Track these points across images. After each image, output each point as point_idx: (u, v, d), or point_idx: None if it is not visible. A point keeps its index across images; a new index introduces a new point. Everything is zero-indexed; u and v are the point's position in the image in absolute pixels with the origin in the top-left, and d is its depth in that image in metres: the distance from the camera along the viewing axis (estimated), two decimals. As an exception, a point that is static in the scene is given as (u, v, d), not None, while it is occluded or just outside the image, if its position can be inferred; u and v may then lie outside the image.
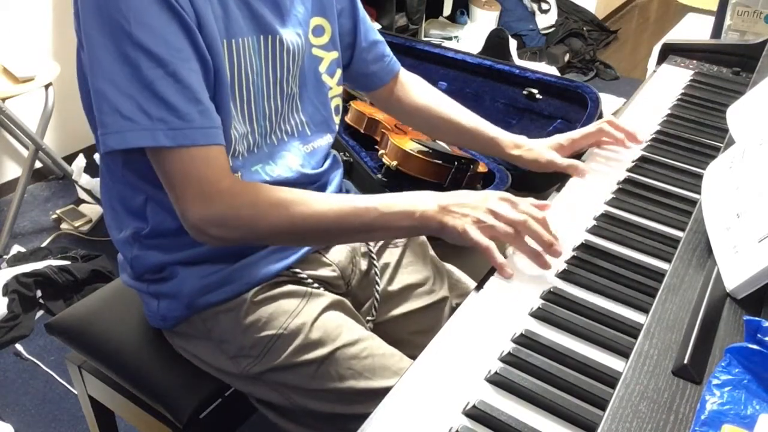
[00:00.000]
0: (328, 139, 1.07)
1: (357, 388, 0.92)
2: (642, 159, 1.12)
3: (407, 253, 1.16)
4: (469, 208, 0.86)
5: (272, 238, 0.91)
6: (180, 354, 1.04)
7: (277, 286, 1.00)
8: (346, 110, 1.89)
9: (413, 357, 0.77)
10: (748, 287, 0.72)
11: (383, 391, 0.69)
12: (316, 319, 0.96)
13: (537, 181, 1.66)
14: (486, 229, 0.84)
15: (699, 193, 0.93)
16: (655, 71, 1.47)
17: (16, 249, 2.20)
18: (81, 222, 2.33)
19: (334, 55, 1.06)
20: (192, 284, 0.97)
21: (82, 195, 2.47)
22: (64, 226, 2.34)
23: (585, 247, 0.90)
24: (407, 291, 1.12)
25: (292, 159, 1.00)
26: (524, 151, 1.14)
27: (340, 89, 1.09)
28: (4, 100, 2.20)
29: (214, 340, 0.98)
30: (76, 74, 0.91)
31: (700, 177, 0.95)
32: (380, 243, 1.15)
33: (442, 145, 1.69)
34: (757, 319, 0.67)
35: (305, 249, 1.03)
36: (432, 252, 1.20)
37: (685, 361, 0.65)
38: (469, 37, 3.69)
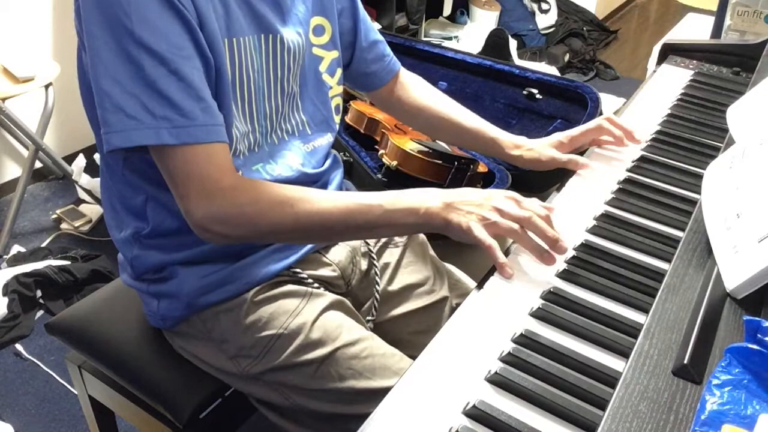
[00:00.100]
0: (328, 139, 1.07)
1: (357, 388, 0.92)
2: (642, 159, 1.12)
3: (407, 253, 1.16)
4: (473, 206, 0.86)
5: (275, 235, 0.91)
6: (180, 354, 1.04)
7: (278, 285, 1.00)
8: (346, 110, 1.89)
9: (413, 357, 0.77)
10: (748, 287, 0.72)
11: (383, 391, 0.69)
12: (316, 319, 0.96)
13: (537, 181, 1.67)
14: (490, 226, 0.84)
15: (699, 193, 0.93)
16: (655, 71, 1.47)
17: (16, 249, 2.20)
18: (81, 222, 2.33)
19: (335, 54, 1.06)
20: (192, 284, 0.97)
21: (82, 195, 2.47)
22: (64, 226, 2.34)
23: (585, 247, 0.90)
24: (407, 291, 1.12)
25: (293, 158, 1.00)
26: (524, 151, 1.14)
27: (340, 89, 1.09)
28: (4, 100, 2.20)
29: (214, 340, 0.99)
30: (76, 74, 0.92)
31: (700, 177, 0.95)
32: (380, 243, 1.15)
33: (442, 145, 1.69)
34: (757, 319, 0.67)
35: (305, 249, 1.03)
36: (432, 252, 1.20)
37: (685, 361, 0.65)
38: (469, 37, 3.69)
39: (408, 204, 0.87)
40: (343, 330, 0.96)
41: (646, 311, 0.76)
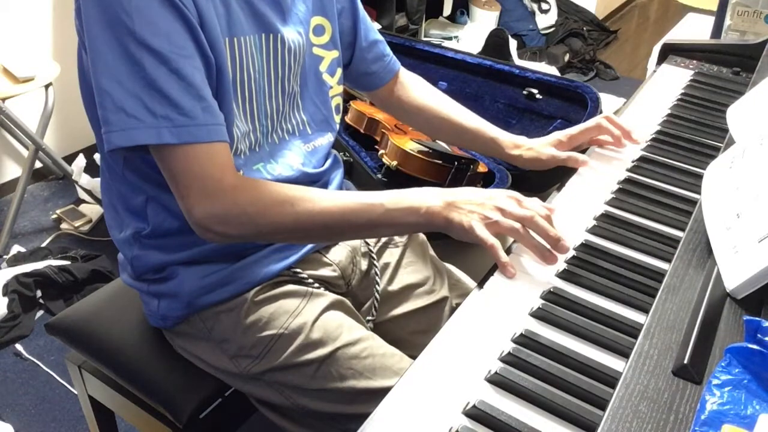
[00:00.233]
0: (329, 138, 1.07)
1: (357, 388, 0.92)
2: (642, 159, 1.12)
3: (407, 253, 1.16)
4: (475, 205, 0.86)
5: (276, 234, 0.91)
6: (180, 354, 1.04)
7: (278, 285, 1.00)
8: (346, 110, 1.89)
9: (413, 357, 0.77)
10: (748, 287, 0.72)
11: (383, 391, 0.69)
12: (316, 319, 0.96)
13: (537, 181, 1.66)
14: (492, 225, 0.84)
15: (699, 193, 0.93)
16: (655, 71, 1.47)
17: (16, 249, 2.20)
18: (81, 222, 2.33)
19: (335, 54, 1.06)
20: (192, 284, 0.97)
21: (82, 195, 2.47)
22: (64, 226, 2.34)
23: (585, 246, 0.90)
24: (407, 291, 1.12)
25: (293, 158, 1.00)
26: (524, 151, 1.14)
27: (340, 88, 1.09)
28: (4, 100, 2.20)
29: (214, 340, 0.99)
30: (76, 74, 0.92)
31: (700, 177, 0.95)
32: (380, 243, 1.15)
33: (442, 145, 1.69)
34: (757, 319, 0.67)
35: (306, 249, 1.03)
36: (432, 252, 1.20)
37: (685, 361, 0.65)
38: (469, 37, 3.69)
39: (409, 203, 0.87)
40: (343, 330, 0.96)
41: (646, 311, 0.76)
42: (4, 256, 2.16)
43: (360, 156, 1.79)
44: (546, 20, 4.04)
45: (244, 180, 0.86)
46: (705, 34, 2.54)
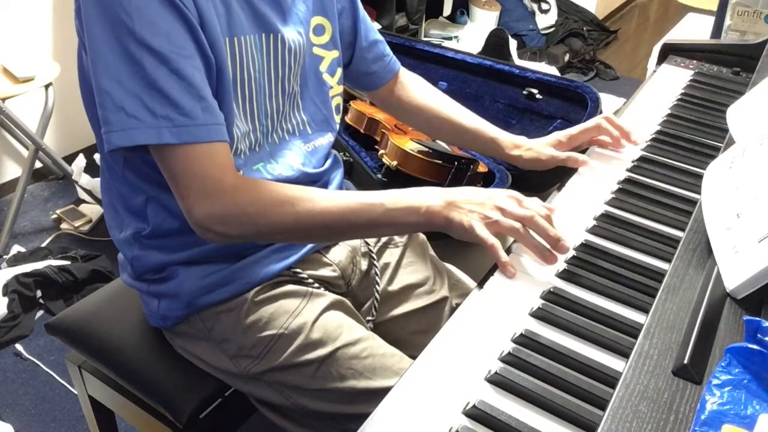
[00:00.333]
0: (329, 138, 1.07)
1: (357, 388, 0.92)
2: (642, 159, 1.12)
3: (407, 253, 1.16)
4: (475, 204, 0.86)
5: (276, 234, 0.91)
6: (180, 354, 1.04)
7: (278, 285, 1.00)
8: (346, 110, 1.89)
9: (413, 357, 0.77)
10: (748, 287, 0.72)
11: (384, 391, 0.69)
12: (316, 319, 0.96)
13: (537, 181, 1.66)
14: (492, 225, 0.84)
15: (699, 193, 0.93)
16: (655, 71, 1.48)
17: (16, 249, 2.20)
18: (81, 222, 2.33)
19: (335, 54, 1.06)
20: (192, 284, 0.97)
21: (82, 195, 2.47)
22: (64, 226, 2.34)
23: (585, 247, 0.90)
24: (407, 291, 1.12)
25: (294, 158, 1.00)
26: (524, 151, 1.14)
27: (340, 88, 1.09)
28: (4, 100, 2.20)
29: (214, 340, 0.98)
30: (76, 74, 0.92)
31: (700, 177, 0.95)
32: (380, 243, 1.15)
33: (442, 145, 1.69)
34: (757, 319, 0.67)
35: (306, 249, 1.03)
36: (432, 252, 1.20)
37: (685, 361, 0.65)
38: (469, 37, 3.69)
39: (409, 203, 0.87)
40: (343, 330, 0.96)
41: (646, 311, 0.76)
42: (4, 256, 2.16)
43: (360, 156, 1.79)
44: (546, 20, 4.04)
45: (244, 180, 0.86)
46: (705, 34, 2.54)
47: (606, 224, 0.95)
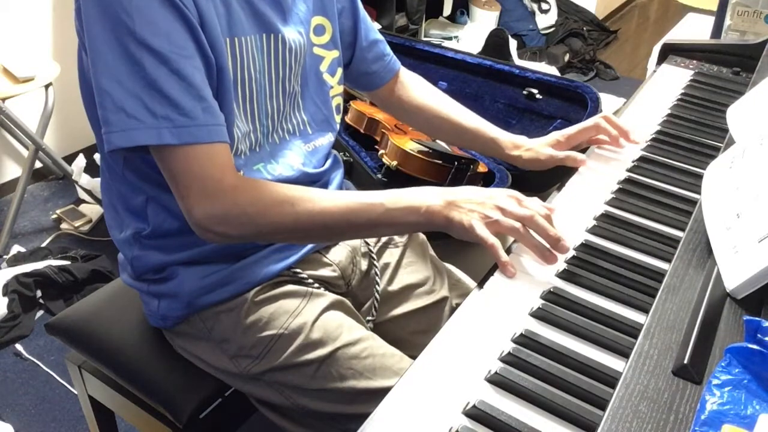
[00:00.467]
0: (329, 138, 1.07)
1: (357, 388, 0.93)
2: (642, 159, 1.12)
3: (407, 253, 1.16)
4: (475, 204, 0.86)
5: (276, 234, 0.91)
6: (180, 354, 1.04)
7: (278, 286, 1.00)
8: (346, 110, 1.89)
9: (413, 357, 0.77)
10: (748, 287, 0.72)
11: (384, 391, 0.69)
12: (316, 319, 0.96)
13: (537, 181, 1.66)
14: (492, 224, 0.84)
15: (699, 193, 0.93)
16: (655, 71, 1.47)
17: (16, 249, 2.20)
18: (81, 222, 2.33)
19: (335, 54, 1.06)
20: (192, 284, 0.97)
21: (82, 195, 2.47)
22: (64, 226, 2.34)
23: (585, 247, 0.90)
24: (407, 291, 1.12)
25: (294, 158, 1.00)
26: (523, 151, 1.14)
27: (341, 88, 1.09)
28: (4, 100, 2.20)
29: (214, 340, 0.99)
30: (76, 74, 0.92)
31: (700, 177, 0.96)
32: (380, 243, 1.15)
33: (442, 145, 1.69)
34: (757, 319, 0.67)
35: (306, 249, 1.03)
36: (432, 252, 1.20)
37: (685, 361, 0.65)
38: (469, 37, 3.69)
39: (409, 202, 0.87)
40: (343, 330, 0.96)
41: (646, 311, 0.76)
42: (4, 256, 2.16)
43: (360, 156, 1.79)
44: (546, 20, 4.04)
45: (244, 180, 0.86)
46: (705, 34, 2.54)
47: (606, 224, 0.95)
